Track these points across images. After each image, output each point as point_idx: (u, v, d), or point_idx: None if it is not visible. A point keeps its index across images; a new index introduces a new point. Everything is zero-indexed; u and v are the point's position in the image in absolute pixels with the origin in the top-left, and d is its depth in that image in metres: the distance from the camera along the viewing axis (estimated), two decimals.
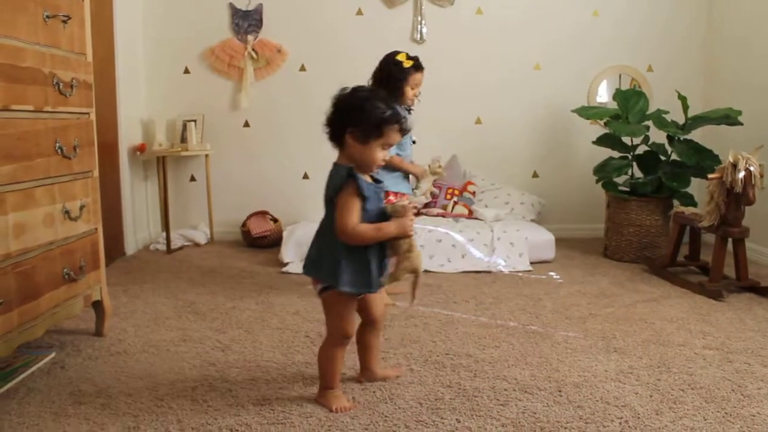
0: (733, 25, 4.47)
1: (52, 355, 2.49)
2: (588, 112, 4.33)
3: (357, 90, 1.99)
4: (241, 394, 2.15)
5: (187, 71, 4.80)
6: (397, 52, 3.11)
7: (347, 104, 1.95)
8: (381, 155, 1.96)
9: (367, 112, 1.90)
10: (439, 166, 3.21)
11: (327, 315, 2.06)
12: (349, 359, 2.29)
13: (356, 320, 2.10)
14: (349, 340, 2.08)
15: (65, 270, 2.38)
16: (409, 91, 3.07)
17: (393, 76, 3.05)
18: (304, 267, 2.07)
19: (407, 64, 3.06)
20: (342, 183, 1.92)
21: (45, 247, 2.27)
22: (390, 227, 1.94)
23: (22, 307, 2.13)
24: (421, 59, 3.14)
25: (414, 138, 3.24)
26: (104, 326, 2.74)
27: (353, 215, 1.91)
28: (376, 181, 2.04)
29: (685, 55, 4.82)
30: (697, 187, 4.39)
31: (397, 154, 3.10)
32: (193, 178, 4.91)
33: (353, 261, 1.94)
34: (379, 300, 2.16)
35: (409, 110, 3.07)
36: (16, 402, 2.10)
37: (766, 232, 3.98)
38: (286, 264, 3.96)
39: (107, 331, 2.75)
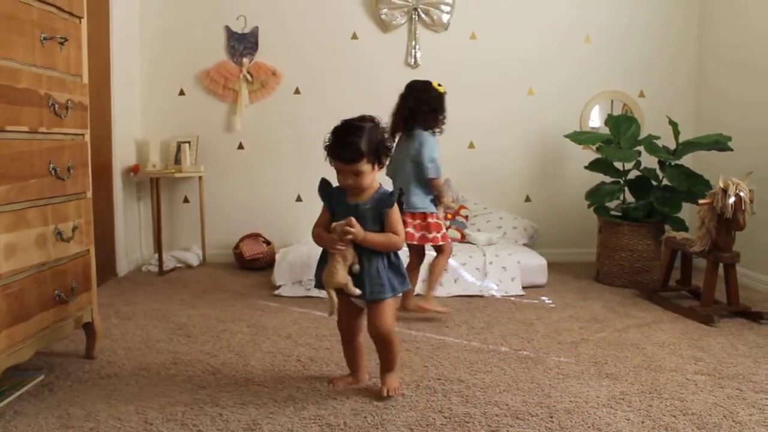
0: (725, 52, 4.53)
1: (41, 377, 2.47)
2: (580, 137, 4.37)
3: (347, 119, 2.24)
4: (231, 418, 2.14)
5: (182, 93, 4.83)
6: (428, 81, 3.32)
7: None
8: (341, 179, 2.20)
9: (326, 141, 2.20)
10: (453, 201, 3.35)
11: None
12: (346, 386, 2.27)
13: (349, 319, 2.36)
14: (343, 334, 2.40)
15: (56, 291, 2.37)
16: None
17: (440, 103, 3.30)
18: None
19: (441, 89, 3.30)
20: None
21: (36, 268, 2.26)
22: (323, 238, 2.23)
23: (12, 328, 2.11)
24: None
25: None
26: (94, 348, 2.72)
27: (318, 219, 2.30)
28: (399, 198, 2.26)
29: (676, 81, 4.88)
30: (688, 212, 4.42)
31: None
32: (186, 200, 4.91)
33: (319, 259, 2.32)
34: (373, 314, 2.28)
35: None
36: (2, 425, 2.08)
37: (757, 257, 4.01)
38: (278, 287, 3.95)
39: (97, 354, 2.73)
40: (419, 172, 3.23)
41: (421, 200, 3.26)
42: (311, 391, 2.36)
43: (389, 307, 2.26)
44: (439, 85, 3.29)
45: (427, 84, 3.31)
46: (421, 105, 3.25)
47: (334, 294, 2.21)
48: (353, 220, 2.14)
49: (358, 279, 2.20)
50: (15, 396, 2.29)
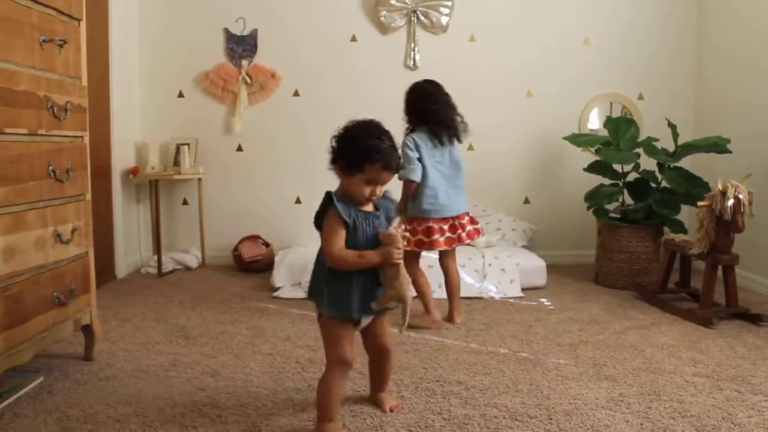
0: (724, 54, 4.54)
1: (40, 379, 2.47)
2: (579, 139, 4.38)
3: (359, 122, 2.03)
4: (230, 420, 2.14)
5: (181, 95, 4.83)
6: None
7: (344, 134, 2.00)
8: (366, 190, 1.98)
9: (355, 146, 1.96)
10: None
11: (323, 340, 2.06)
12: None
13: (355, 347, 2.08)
14: (347, 368, 2.04)
15: (55, 293, 2.37)
16: None
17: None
18: (308, 292, 2.14)
19: None
20: (325, 208, 1.98)
21: (35, 270, 2.26)
22: (373, 254, 1.97)
23: (10, 331, 2.11)
24: None
25: None
26: (93, 350, 2.72)
27: (337, 240, 1.95)
28: (377, 208, 2.06)
29: (675, 83, 4.88)
30: (687, 214, 4.42)
31: None
32: (185, 202, 4.91)
33: (336, 285, 1.99)
34: (387, 329, 2.17)
35: None
36: (1, 427, 2.07)
37: (756, 259, 4.01)
38: (277, 289, 3.95)
39: (96, 356, 2.73)
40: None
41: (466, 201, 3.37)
42: (310, 393, 2.36)
43: None
44: None
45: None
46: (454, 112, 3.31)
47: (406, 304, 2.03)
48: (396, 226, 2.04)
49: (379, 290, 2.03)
50: (14, 398, 2.29)
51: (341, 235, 1.96)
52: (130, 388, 2.41)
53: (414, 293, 1.97)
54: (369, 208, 2.05)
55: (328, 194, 1.98)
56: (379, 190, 2.01)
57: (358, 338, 2.13)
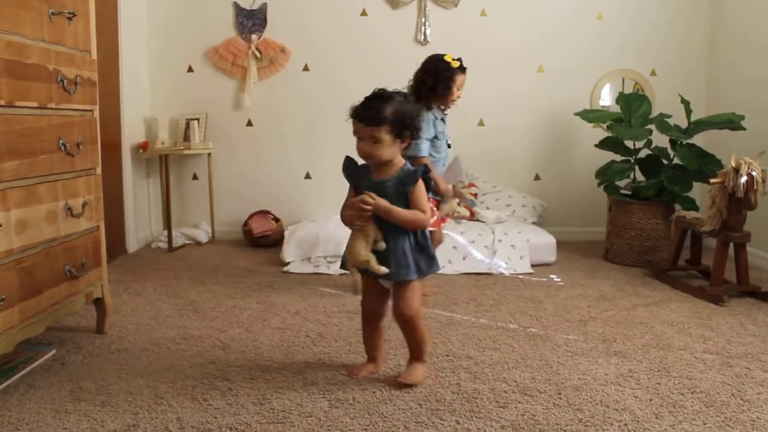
0: (737, 30, 4.47)
1: (53, 351, 2.50)
2: (591, 115, 4.34)
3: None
4: (240, 393, 2.16)
5: (190, 70, 4.81)
6: (442, 54, 3.13)
7: None
8: (358, 145, 2.11)
9: None
10: (464, 186, 3.09)
11: None
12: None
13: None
14: (365, 314, 2.30)
15: (67, 267, 2.39)
16: (455, 92, 3.10)
17: (442, 76, 3.07)
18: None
19: (455, 64, 3.09)
20: None
21: (47, 243, 2.27)
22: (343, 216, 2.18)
23: (24, 303, 2.13)
24: None
25: (449, 141, 3.20)
26: (105, 324, 2.74)
27: (345, 200, 2.19)
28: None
29: (688, 59, 4.82)
30: (699, 191, 4.39)
31: (430, 155, 3.06)
32: (195, 177, 4.92)
33: None
34: (398, 296, 2.20)
35: (444, 111, 3.16)
36: (15, 398, 2.10)
37: None
38: (287, 263, 3.96)
39: (108, 329, 2.76)
40: None
41: None
42: (320, 366, 2.38)
43: (415, 289, 2.16)
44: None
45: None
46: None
47: (357, 272, 2.20)
48: (371, 193, 2.07)
49: (383, 258, 2.09)
50: (28, 369, 2.31)
51: (349, 196, 2.19)
52: (142, 361, 2.44)
53: (359, 261, 2.10)
54: (385, 175, 2.13)
55: (345, 158, 2.18)
56: (370, 148, 2.07)
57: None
